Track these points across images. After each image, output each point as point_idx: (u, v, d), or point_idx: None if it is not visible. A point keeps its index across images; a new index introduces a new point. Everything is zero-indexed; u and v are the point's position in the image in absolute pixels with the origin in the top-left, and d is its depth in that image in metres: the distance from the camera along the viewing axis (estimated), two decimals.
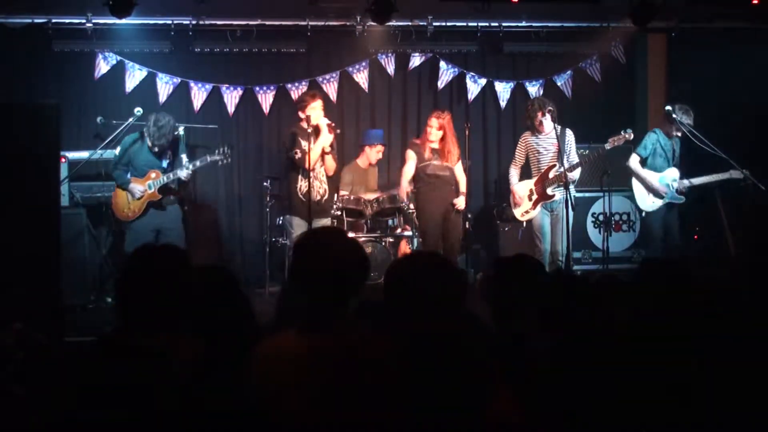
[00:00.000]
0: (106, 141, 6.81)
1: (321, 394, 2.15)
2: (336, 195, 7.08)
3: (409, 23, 7.78)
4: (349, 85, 8.07)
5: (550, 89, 8.15)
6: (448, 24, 7.95)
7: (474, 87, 8.18)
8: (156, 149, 6.31)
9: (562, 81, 8.24)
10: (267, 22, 7.66)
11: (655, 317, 2.75)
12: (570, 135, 6.60)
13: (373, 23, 7.38)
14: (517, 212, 6.67)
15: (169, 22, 7.54)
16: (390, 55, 8.02)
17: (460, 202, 6.75)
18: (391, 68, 8.06)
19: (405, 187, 6.83)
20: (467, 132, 6.54)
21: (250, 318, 2.73)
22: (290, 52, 7.84)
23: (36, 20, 7.36)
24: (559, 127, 6.47)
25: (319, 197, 6.62)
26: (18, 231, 4.77)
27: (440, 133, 6.65)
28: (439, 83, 8.13)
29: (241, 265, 7.79)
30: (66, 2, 7.21)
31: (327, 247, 2.34)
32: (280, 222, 7.03)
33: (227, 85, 7.83)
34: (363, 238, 6.86)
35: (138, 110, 6.71)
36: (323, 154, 6.56)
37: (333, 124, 6.57)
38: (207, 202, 7.99)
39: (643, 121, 8.28)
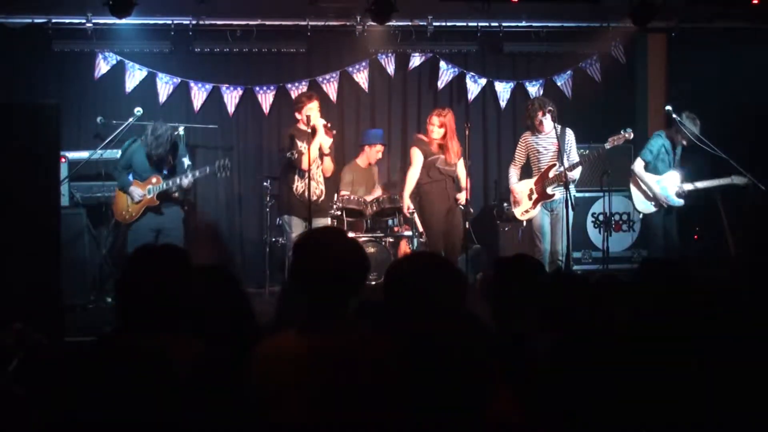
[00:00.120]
0: (106, 141, 6.83)
1: (321, 394, 2.15)
2: (336, 195, 7.08)
3: (409, 23, 7.78)
4: (349, 85, 8.07)
5: (550, 89, 8.14)
6: (448, 24, 7.94)
7: (474, 87, 8.18)
8: (154, 158, 6.21)
9: (562, 81, 8.24)
10: (267, 22, 7.66)
11: (655, 317, 2.75)
12: (570, 134, 6.60)
13: (373, 23, 7.38)
14: (517, 211, 6.67)
15: (169, 22, 7.54)
16: (390, 55, 8.02)
17: (462, 197, 6.75)
18: (391, 68, 8.05)
19: (410, 191, 6.69)
20: (467, 132, 6.54)
21: (250, 318, 2.73)
22: (290, 52, 7.84)
23: (36, 20, 7.35)
24: (559, 127, 6.46)
25: (315, 198, 6.62)
26: (18, 231, 4.76)
27: (442, 130, 6.63)
28: (439, 83, 8.13)
29: (241, 265, 7.80)
30: (66, 2, 7.21)
31: (327, 247, 2.33)
32: (280, 222, 7.04)
33: (227, 85, 7.82)
34: (363, 238, 6.86)
35: (138, 110, 6.70)
36: (322, 155, 6.56)
37: (329, 125, 6.55)
38: (207, 202, 7.98)
39: (643, 121, 8.29)
